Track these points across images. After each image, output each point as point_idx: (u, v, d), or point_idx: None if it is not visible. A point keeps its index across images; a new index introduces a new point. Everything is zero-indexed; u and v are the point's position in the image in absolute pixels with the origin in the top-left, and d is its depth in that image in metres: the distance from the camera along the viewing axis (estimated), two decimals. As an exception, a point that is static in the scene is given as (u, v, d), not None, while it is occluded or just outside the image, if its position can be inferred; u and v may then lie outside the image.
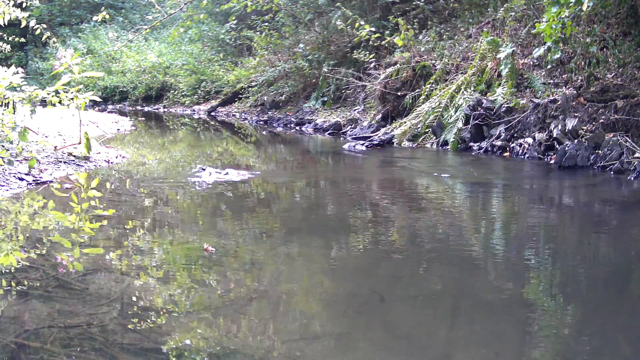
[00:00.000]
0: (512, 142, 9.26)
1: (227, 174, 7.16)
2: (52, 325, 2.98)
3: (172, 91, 21.80)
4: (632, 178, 7.08)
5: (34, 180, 6.42)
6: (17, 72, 7.76)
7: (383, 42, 12.92)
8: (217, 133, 14.72)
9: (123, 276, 3.71)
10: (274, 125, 15.39)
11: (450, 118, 10.18)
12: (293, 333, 3.03)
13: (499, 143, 9.34)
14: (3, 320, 3.04)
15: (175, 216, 5.40)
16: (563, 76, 9.85)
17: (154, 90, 22.31)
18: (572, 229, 5.27)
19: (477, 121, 9.76)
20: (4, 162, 6.53)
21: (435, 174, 7.76)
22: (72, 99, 7.95)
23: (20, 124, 7.14)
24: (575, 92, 9.17)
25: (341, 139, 12.16)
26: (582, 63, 9.66)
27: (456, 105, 10.27)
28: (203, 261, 4.04)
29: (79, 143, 8.12)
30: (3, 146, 6.99)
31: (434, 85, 11.32)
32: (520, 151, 8.95)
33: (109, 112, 18.64)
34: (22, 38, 13.14)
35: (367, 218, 5.45)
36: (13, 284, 3.55)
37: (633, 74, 8.91)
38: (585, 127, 8.48)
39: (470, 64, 11.03)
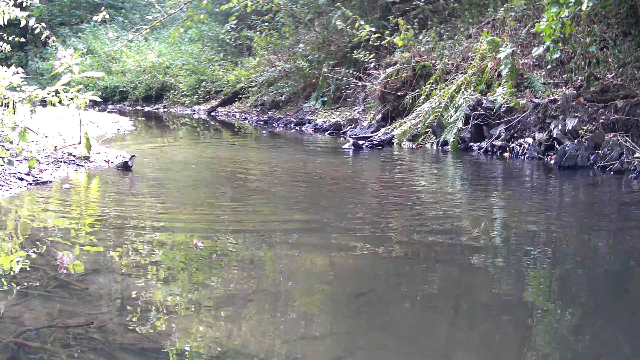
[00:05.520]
0: (512, 142, 9.25)
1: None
2: (52, 325, 2.98)
3: (172, 91, 21.78)
4: (632, 178, 7.08)
5: (34, 180, 6.41)
6: (17, 72, 7.74)
7: (383, 42, 12.91)
8: (217, 133, 14.72)
9: (123, 276, 3.71)
10: (274, 125, 15.38)
11: (450, 118, 10.18)
12: (293, 333, 3.03)
13: (499, 143, 9.34)
14: (3, 320, 3.04)
15: (174, 215, 5.40)
16: (563, 76, 9.84)
17: (154, 90, 22.30)
18: (572, 229, 5.26)
19: (477, 121, 9.76)
20: (4, 162, 6.52)
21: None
22: (72, 99, 7.94)
23: (20, 124, 7.13)
24: (575, 92, 9.16)
25: (341, 139, 12.16)
26: (582, 63, 9.66)
27: (456, 105, 10.27)
28: (203, 260, 4.04)
29: (79, 143, 8.12)
30: (3, 146, 6.99)
31: (434, 85, 11.32)
32: (520, 151, 8.95)
33: (109, 112, 18.62)
34: (22, 38, 13.13)
35: (367, 218, 5.45)
36: (13, 284, 3.55)
37: (633, 74, 8.91)
38: (585, 127, 8.48)
39: (470, 64, 11.02)
